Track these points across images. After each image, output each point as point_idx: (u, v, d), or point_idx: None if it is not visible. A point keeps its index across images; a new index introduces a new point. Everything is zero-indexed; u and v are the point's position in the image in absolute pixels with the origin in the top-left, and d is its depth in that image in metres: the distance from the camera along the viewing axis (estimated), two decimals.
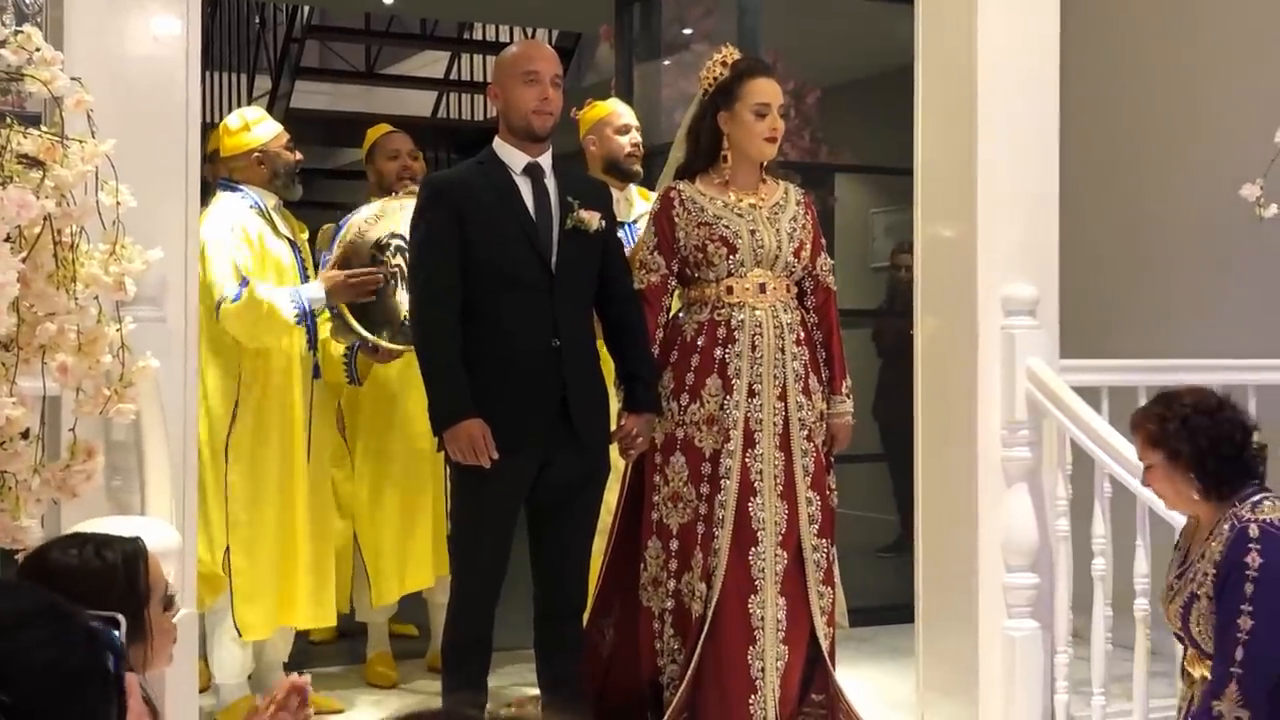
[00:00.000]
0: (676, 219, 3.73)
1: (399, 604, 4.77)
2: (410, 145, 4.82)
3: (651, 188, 4.44)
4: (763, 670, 3.60)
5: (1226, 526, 2.79)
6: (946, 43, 4.16)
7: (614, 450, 3.67)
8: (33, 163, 2.33)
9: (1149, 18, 5.27)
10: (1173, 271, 5.13)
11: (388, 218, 4.35)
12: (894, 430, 6.30)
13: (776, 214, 3.75)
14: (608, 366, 3.73)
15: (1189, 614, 2.85)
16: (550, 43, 7.61)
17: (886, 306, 7.08)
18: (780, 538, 3.63)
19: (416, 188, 4.21)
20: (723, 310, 3.69)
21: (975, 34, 4.04)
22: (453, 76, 9.98)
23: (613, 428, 3.66)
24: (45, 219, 2.30)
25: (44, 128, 2.40)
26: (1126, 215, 5.28)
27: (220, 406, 4.07)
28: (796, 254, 3.74)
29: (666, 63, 6.34)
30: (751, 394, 3.64)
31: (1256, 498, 2.80)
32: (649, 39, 6.21)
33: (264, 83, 9.34)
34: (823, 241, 3.89)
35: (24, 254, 2.28)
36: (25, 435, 2.39)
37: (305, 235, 4.44)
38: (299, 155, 4.35)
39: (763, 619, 3.60)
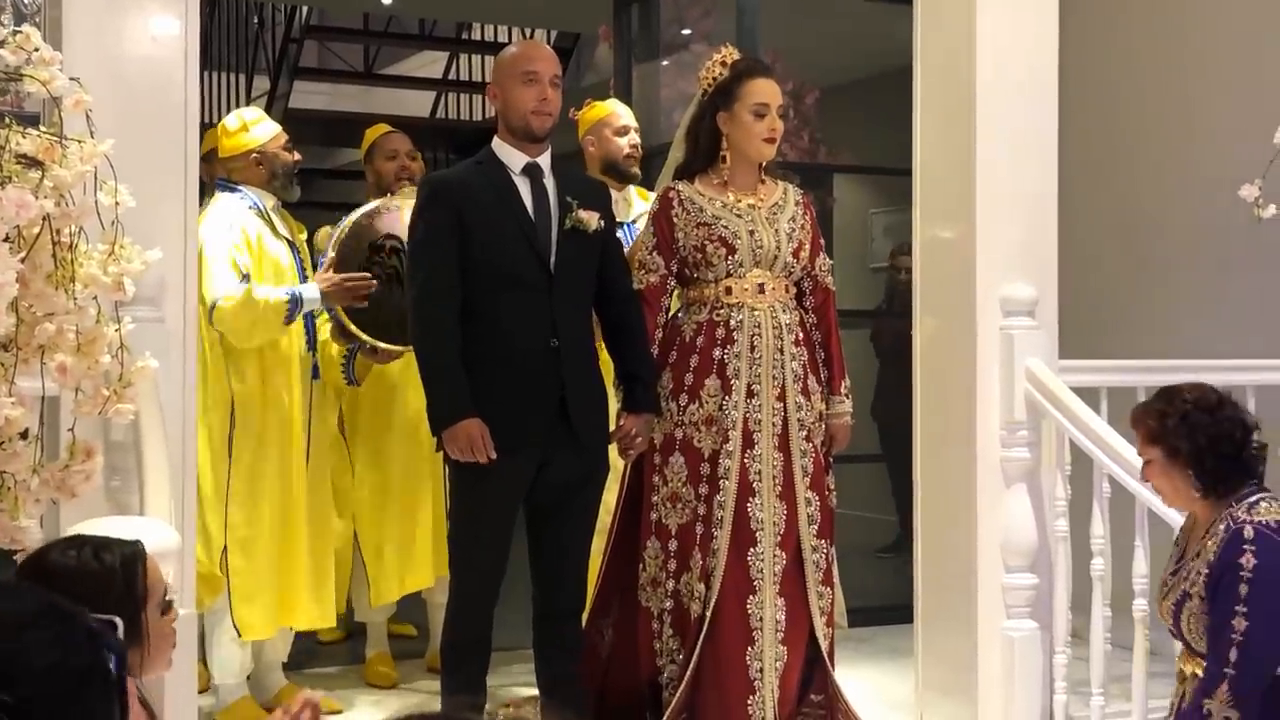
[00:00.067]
0: (675, 219, 3.73)
1: (398, 604, 4.78)
2: (409, 145, 4.82)
3: (650, 188, 4.44)
4: (761, 671, 3.60)
5: (1222, 527, 2.79)
6: (945, 43, 4.16)
7: (613, 450, 3.67)
8: (31, 163, 2.33)
9: (1148, 18, 5.27)
10: (1171, 272, 5.14)
11: (383, 216, 4.36)
12: (893, 431, 6.32)
13: (775, 214, 3.75)
14: (607, 366, 3.73)
15: (1180, 612, 2.85)
16: (549, 43, 7.61)
17: (885, 307, 7.08)
18: (779, 538, 3.63)
19: (414, 188, 4.22)
20: (721, 311, 3.69)
21: (974, 34, 4.04)
22: (451, 77, 9.98)
23: (612, 428, 3.66)
24: (44, 219, 2.30)
25: (43, 128, 2.40)
26: (1125, 216, 5.29)
27: (219, 407, 4.07)
28: (795, 254, 3.74)
29: (665, 63, 6.34)
30: (750, 394, 3.64)
31: (1254, 498, 2.80)
32: (648, 39, 6.21)
33: (262, 83, 9.35)
34: (821, 242, 3.89)
35: (23, 254, 2.28)
36: (24, 435, 2.39)
37: (304, 236, 4.44)
38: (297, 156, 4.35)
39: (761, 619, 3.60)
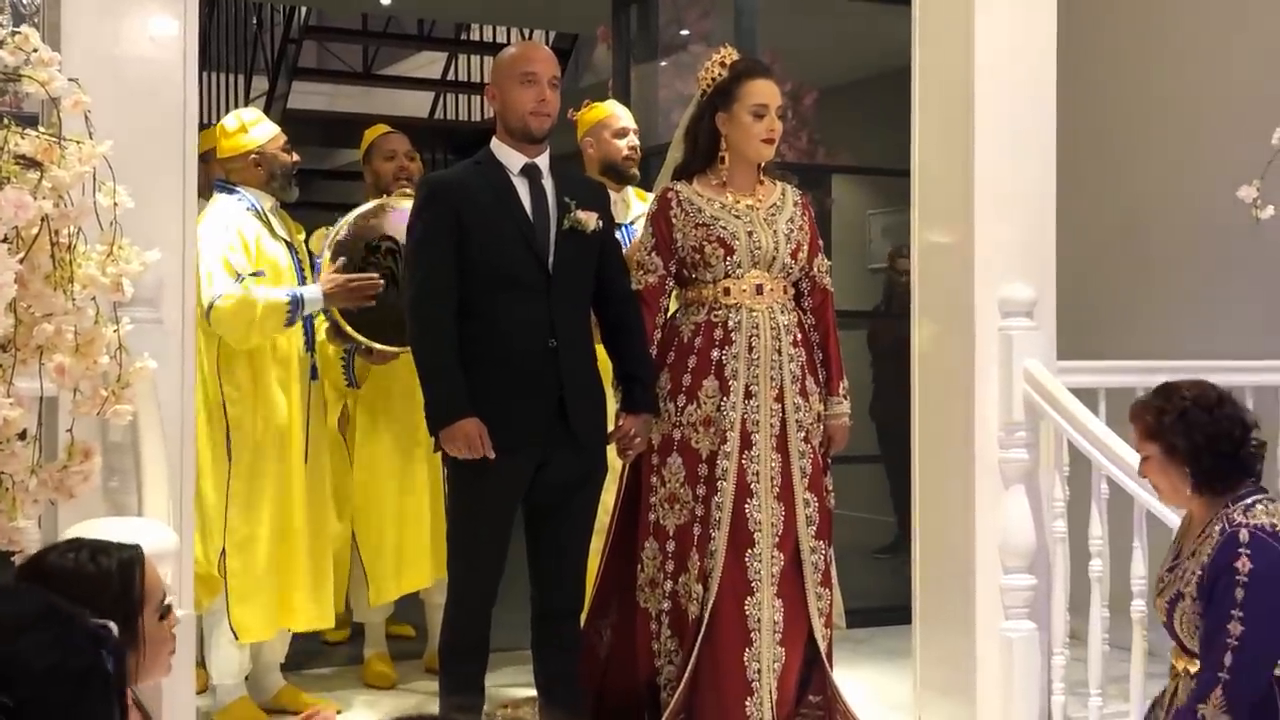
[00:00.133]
0: (674, 219, 3.73)
1: (396, 605, 4.78)
2: (407, 146, 4.81)
3: (649, 189, 4.44)
4: (759, 672, 3.60)
5: (1217, 529, 2.77)
6: (944, 44, 4.16)
7: (611, 450, 3.67)
8: (30, 163, 2.33)
9: (1146, 18, 5.27)
10: (1170, 273, 5.14)
11: (384, 216, 4.36)
12: (891, 431, 6.32)
13: (774, 215, 3.75)
14: (605, 366, 3.73)
15: (1174, 610, 2.85)
16: (547, 44, 7.61)
17: (884, 308, 7.08)
18: (777, 539, 3.63)
19: (412, 189, 4.22)
20: (719, 311, 3.69)
21: (972, 35, 4.04)
22: (450, 77, 9.99)
23: (610, 428, 3.66)
24: (42, 220, 2.30)
25: (41, 128, 2.40)
26: (1124, 216, 5.29)
27: (218, 408, 4.06)
28: (793, 255, 3.74)
29: (664, 64, 6.34)
30: (748, 395, 3.64)
31: (1250, 500, 2.78)
32: (646, 40, 6.21)
33: (261, 83, 9.34)
34: (820, 243, 3.89)
35: (21, 255, 2.28)
36: (22, 436, 2.39)
37: (302, 236, 4.44)
38: (296, 157, 4.35)
39: (759, 621, 3.60)
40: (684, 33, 6.61)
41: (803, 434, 3.69)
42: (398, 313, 3.91)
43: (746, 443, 3.63)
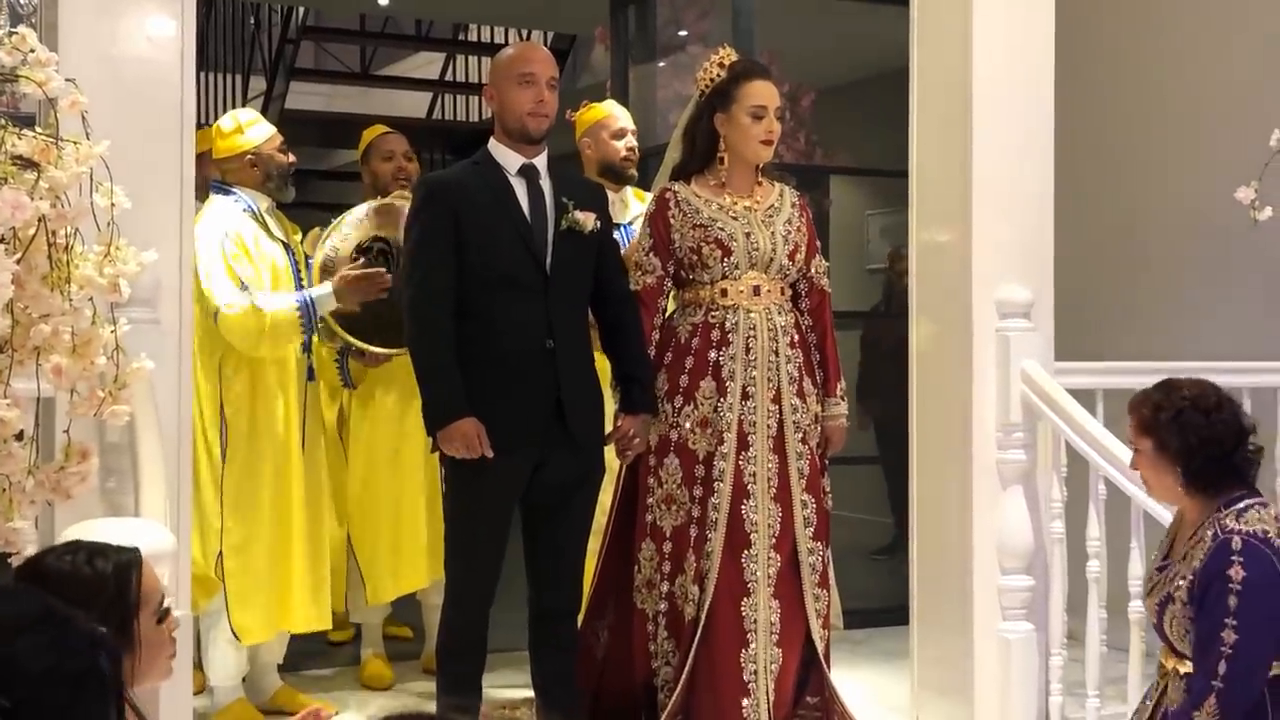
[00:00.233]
0: (672, 220, 3.73)
1: (393, 606, 4.77)
2: (406, 146, 4.81)
3: (647, 189, 4.44)
4: (756, 673, 3.59)
5: (1210, 534, 2.76)
6: (942, 45, 4.16)
7: (609, 450, 3.67)
8: (27, 164, 2.33)
9: (1144, 19, 5.27)
10: (1168, 274, 5.14)
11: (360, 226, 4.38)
12: (889, 432, 6.32)
13: (771, 216, 3.75)
14: (604, 367, 3.73)
15: (1164, 613, 2.84)
16: (546, 44, 7.60)
17: (883, 309, 7.08)
18: (773, 540, 3.63)
19: (409, 190, 4.22)
20: (717, 313, 3.69)
21: (970, 36, 4.04)
22: (448, 78, 9.98)
23: (608, 429, 3.66)
24: (40, 220, 2.30)
25: (39, 129, 2.39)
26: (1122, 218, 5.29)
27: (214, 409, 4.06)
28: (791, 257, 3.74)
29: (662, 64, 6.34)
30: (745, 397, 3.64)
31: (1242, 505, 2.76)
32: (644, 41, 6.21)
33: (259, 84, 9.34)
34: (817, 244, 3.89)
35: (18, 255, 2.28)
36: (19, 437, 2.39)
37: (298, 237, 4.43)
38: (292, 158, 4.34)
39: (756, 622, 3.60)
40: (682, 33, 6.61)
41: (800, 435, 3.69)
42: (391, 314, 3.91)
43: (743, 444, 3.62)
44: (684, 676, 3.59)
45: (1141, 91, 5.25)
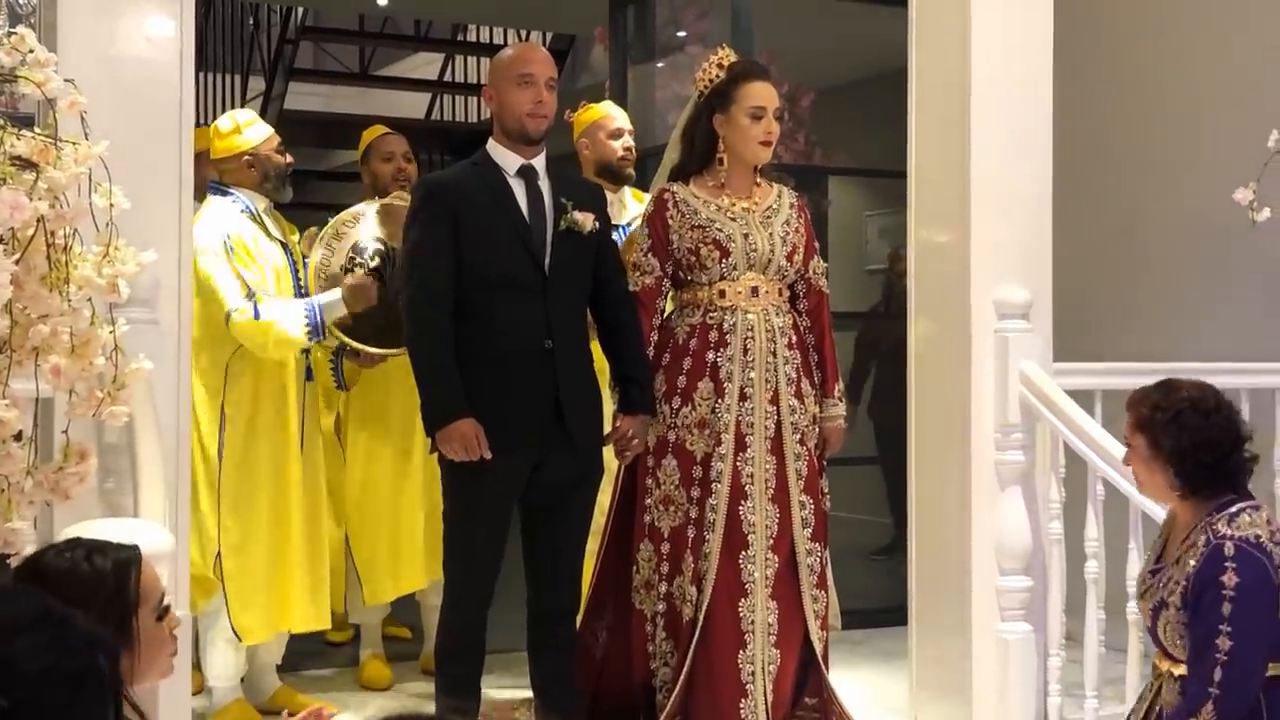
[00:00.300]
0: (670, 220, 3.73)
1: (392, 606, 4.77)
2: (405, 147, 4.81)
3: (645, 189, 4.44)
4: (754, 674, 3.59)
5: (1202, 539, 2.74)
6: (940, 45, 4.16)
7: (607, 451, 3.67)
8: (26, 164, 2.33)
9: (1143, 19, 5.27)
10: (1166, 275, 5.14)
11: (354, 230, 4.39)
12: (887, 433, 6.32)
13: (769, 217, 3.75)
14: (602, 367, 3.73)
15: (1158, 617, 2.83)
16: (545, 45, 7.61)
17: (883, 309, 7.08)
18: (771, 541, 3.63)
19: (409, 191, 4.22)
20: (715, 313, 3.69)
21: (969, 36, 4.04)
22: (447, 78, 9.98)
23: (607, 429, 3.66)
24: (38, 221, 2.30)
25: (37, 129, 2.39)
26: (1120, 218, 5.29)
27: (212, 409, 4.06)
28: (789, 258, 3.74)
29: (660, 65, 6.34)
30: (743, 398, 3.64)
31: (1235, 509, 2.75)
32: (643, 41, 6.21)
33: (258, 84, 9.34)
34: (816, 245, 3.89)
35: (17, 256, 2.28)
36: (18, 437, 2.39)
37: (296, 237, 4.43)
38: (290, 159, 4.34)
39: (753, 623, 3.60)
40: (681, 34, 6.61)
41: (798, 436, 3.69)
42: (386, 315, 3.90)
43: (741, 445, 3.63)
44: (682, 677, 3.59)
45: (1141, 91, 5.26)
